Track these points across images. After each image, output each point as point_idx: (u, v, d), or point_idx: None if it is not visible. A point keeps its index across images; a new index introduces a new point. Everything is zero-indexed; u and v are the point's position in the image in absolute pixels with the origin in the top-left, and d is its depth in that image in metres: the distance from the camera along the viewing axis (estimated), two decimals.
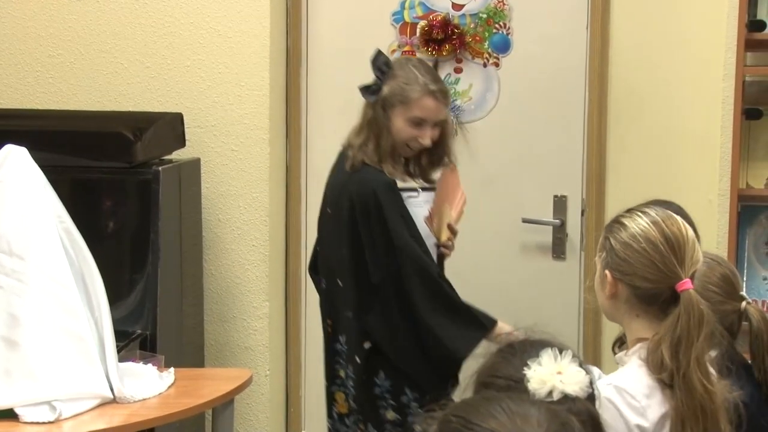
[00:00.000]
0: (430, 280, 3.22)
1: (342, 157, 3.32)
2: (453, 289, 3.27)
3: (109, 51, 4.08)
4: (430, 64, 3.84)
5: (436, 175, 3.41)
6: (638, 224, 2.34)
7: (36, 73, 4.13)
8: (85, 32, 4.10)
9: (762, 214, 3.65)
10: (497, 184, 4.04)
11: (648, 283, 2.29)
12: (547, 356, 1.76)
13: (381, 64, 3.20)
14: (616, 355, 2.50)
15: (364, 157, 3.22)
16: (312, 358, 4.19)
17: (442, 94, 3.21)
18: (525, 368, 1.75)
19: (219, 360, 4.07)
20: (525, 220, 4.03)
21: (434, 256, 3.37)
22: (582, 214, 4.00)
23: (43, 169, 3.13)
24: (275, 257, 4.09)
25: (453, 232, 3.33)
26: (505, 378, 1.78)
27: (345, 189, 3.25)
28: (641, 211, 2.39)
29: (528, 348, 1.83)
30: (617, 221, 2.42)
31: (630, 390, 2.25)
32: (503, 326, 3.20)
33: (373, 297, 3.24)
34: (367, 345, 3.25)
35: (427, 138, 3.20)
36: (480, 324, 3.23)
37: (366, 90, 3.21)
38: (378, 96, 3.19)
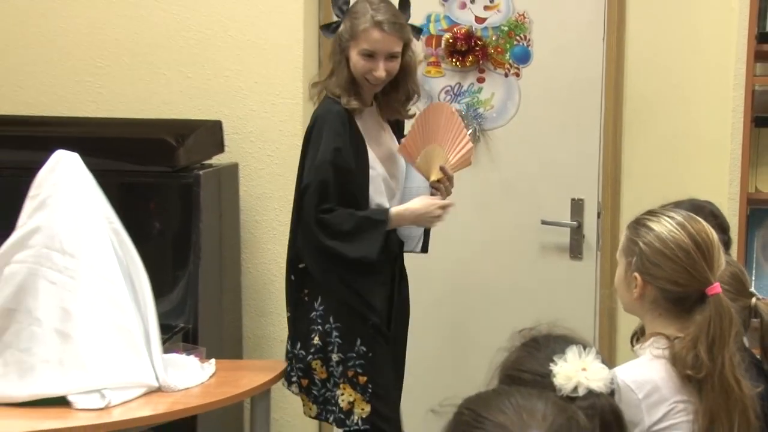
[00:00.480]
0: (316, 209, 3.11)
1: None
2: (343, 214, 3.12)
3: (153, 62, 4.11)
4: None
5: (407, 111, 3.29)
6: (668, 229, 2.31)
7: (85, 82, 4.16)
8: (131, 44, 4.13)
9: None
10: (517, 187, 4.05)
11: (679, 287, 2.28)
12: (572, 353, 1.75)
13: (341, 3, 3.12)
14: (634, 348, 2.48)
15: (325, 90, 3.16)
16: None
17: (390, 25, 3.05)
18: (551, 364, 1.74)
19: (256, 352, 4.08)
20: (544, 222, 4.02)
21: (413, 194, 3.27)
22: (598, 217, 3.99)
23: (92, 173, 3.16)
24: None
25: (447, 175, 3.20)
26: (531, 373, 1.78)
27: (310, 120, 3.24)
28: (667, 216, 2.36)
29: (551, 343, 1.83)
30: (643, 224, 2.38)
31: (632, 384, 2.24)
32: (399, 212, 3.13)
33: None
34: (301, 265, 3.21)
35: (380, 70, 3.06)
36: (376, 223, 3.12)
37: (326, 28, 3.17)
38: (335, 33, 3.12)
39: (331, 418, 3.20)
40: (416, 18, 3.98)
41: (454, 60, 4.02)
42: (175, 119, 4.03)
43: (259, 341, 4.10)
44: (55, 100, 4.22)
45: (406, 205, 3.19)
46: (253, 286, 4.07)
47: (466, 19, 4.03)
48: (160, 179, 3.72)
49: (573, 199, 4.00)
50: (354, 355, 3.13)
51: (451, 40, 4.01)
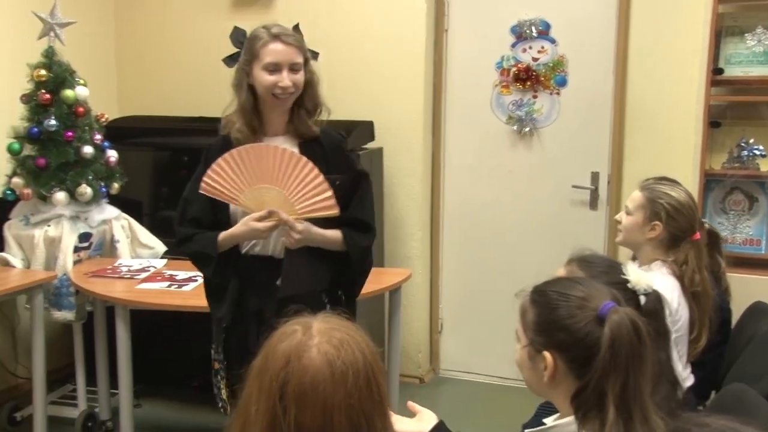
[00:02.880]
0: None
1: None
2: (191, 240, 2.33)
3: (336, 85, 4.05)
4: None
5: (316, 128, 2.32)
6: (680, 195, 2.33)
7: None
8: (323, 70, 4.35)
9: (718, 185, 3.70)
10: (557, 164, 4.07)
11: (682, 231, 2.32)
12: (630, 266, 1.79)
13: (239, 36, 2.29)
14: (641, 267, 2.35)
15: (228, 122, 2.30)
16: (447, 265, 4.38)
17: (287, 36, 2.21)
18: (622, 275, 1.75)
19: (392, 263, 4.19)
20: (574, 186, 4.05)
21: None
22: (608, 183, 3.99)
23: None
24: (424, 205, 4.22)
25: (282, 219, 2.20)
26: (612, 284, 1.67)
27: None
28: (676, 187, 2.35)
29: (594, 259, 1.85)
30: (660, 191, 2.34)
31: (663, 292, 2.22)
32: (225, 237, 2.26)
33: None
34: None
35: (285, 80, 2.19)
36: (207, 256, 2.29)
37: (229, 59, 2.29)
38: (236, 62, 2.27)
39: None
40: (493, 58, 4.10)
41: (518, 84, 4.06)
42: (345, 119, 3.79)
43: (395, 257, 4.22)
44: None
45: (230, 231, 2.26)
46: (392, 221, 4.20)
47: (526, 58, 4.06)
48: None
49: (592, 172, 4.03)
50: None
51: (516, 72, 4.06)
